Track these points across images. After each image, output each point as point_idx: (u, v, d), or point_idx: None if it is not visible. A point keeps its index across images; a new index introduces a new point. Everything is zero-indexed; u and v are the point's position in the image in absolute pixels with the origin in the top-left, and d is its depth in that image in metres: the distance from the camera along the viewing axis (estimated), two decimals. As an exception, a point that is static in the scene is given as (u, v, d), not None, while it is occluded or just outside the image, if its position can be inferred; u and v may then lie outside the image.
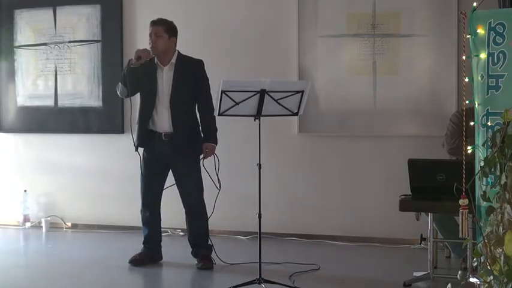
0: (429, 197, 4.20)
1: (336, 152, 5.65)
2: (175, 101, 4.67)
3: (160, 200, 4.87)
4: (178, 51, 4.77)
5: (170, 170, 4.83)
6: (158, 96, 4.68)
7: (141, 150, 4.81)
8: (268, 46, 5.76)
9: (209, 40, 5.71)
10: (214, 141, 4.76)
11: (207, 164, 4.75)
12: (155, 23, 4.71)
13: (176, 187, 4.81)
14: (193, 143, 4.73)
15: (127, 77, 4.57)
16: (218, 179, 4.66)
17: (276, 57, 5.73)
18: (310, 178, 5.71)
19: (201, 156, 4.75)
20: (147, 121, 4.70)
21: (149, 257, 4.86)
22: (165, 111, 4.68)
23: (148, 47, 4.67)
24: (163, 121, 4.68)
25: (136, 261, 4.79)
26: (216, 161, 4.66)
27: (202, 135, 4.79)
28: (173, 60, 4.71)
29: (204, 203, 4.83)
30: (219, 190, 4.67)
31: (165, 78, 4.70)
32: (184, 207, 4.84)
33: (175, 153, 4.70)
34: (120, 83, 4.70)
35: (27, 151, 6.42)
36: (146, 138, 4.72)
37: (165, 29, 4.70)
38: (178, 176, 4.78)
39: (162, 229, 5.00)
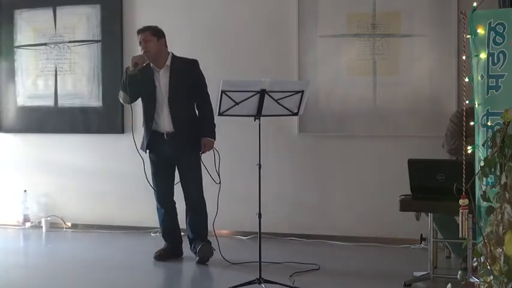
0: (429, 197, 4.20)
1: (336, 152, 5.65)
2: (174, 101, 4.77)
3: (173, 197, 4.95)
4: (172, 54, 4.87)
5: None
6: (157, 98, 4.79)
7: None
8: (268, 46, 5.75)
9: (209, 40, 5.71)
10: (213, 136, 4.83)
11: (206, 160, 4.80)
12: (141, 31, 4.84)
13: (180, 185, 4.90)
14: (194, 142, 4.81)
15: (126, 84, 4.70)
16: (218, 174, 4.71)
17: (276, 57, 5.72)
18: (310, 178, 5.71)
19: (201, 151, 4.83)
20: (150, 123, 4.82)
21: (171, 252, 4.97)
22: (165, 112, 4.78)
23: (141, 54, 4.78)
24: (164, 122, 4.80)
25: (160, 257, 4.93)
26: (216, 156, 4.72)
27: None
28: (168, 63, 4.82)
29: (205, 201, 4.91)
30: (220, 185, 4.70)
31: (161, 80, 4.80)
32: (186, 204, 4.93)
33: (177, 152, 4.81)
34: (121, 91, 4.84)
35: (27, 151, 6.40)
36: (151, 139, 4.83)
37: (151, 33, 4.81)
38: (182, 174, 4.90)
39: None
